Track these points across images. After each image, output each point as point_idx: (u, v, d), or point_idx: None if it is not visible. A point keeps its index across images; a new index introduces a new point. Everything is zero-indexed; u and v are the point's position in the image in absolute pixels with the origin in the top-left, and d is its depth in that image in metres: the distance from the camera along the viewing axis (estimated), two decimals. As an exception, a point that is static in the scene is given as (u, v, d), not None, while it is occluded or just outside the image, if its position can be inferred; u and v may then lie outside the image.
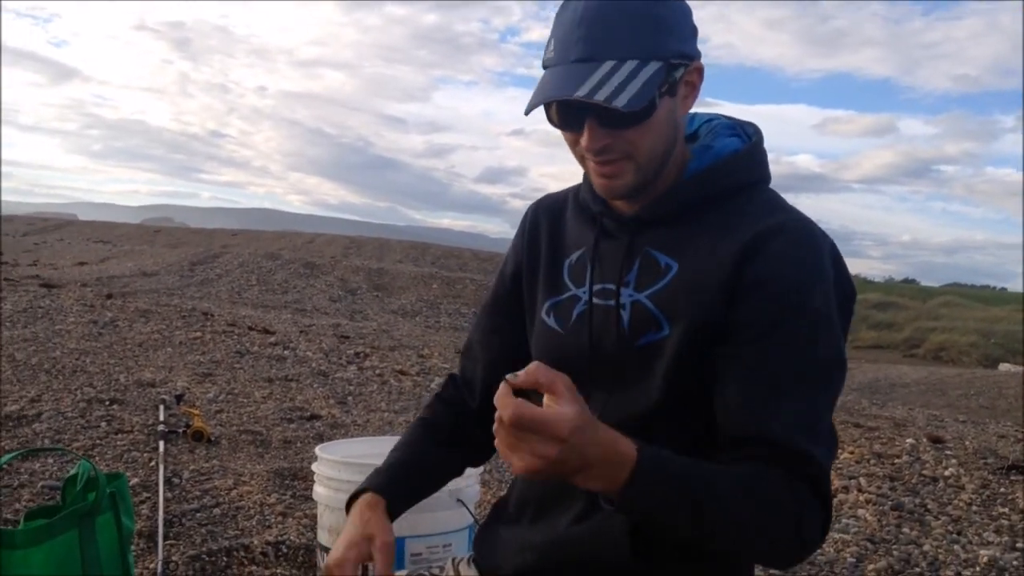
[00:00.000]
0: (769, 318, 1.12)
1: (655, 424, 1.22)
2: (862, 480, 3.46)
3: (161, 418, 3.58)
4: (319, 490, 2.06)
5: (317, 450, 2.10)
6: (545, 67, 1.15)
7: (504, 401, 0.97)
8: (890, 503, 3.21)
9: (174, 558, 2.24)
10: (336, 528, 2.00)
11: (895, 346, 26.10)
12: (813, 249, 1.14)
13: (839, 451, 3.90)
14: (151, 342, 5.67)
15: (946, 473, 3.60)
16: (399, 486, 1.34)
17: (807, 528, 1.06)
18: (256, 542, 2.40)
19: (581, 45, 1.09)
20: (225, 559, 2.28)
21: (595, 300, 1.26)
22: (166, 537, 2.33)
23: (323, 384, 4.92)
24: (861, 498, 3.26)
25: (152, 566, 2.11)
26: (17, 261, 12.80)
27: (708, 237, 1.18)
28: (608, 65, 1.08)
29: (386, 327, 8.64)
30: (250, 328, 6.58)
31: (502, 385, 1.00)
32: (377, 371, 5.51)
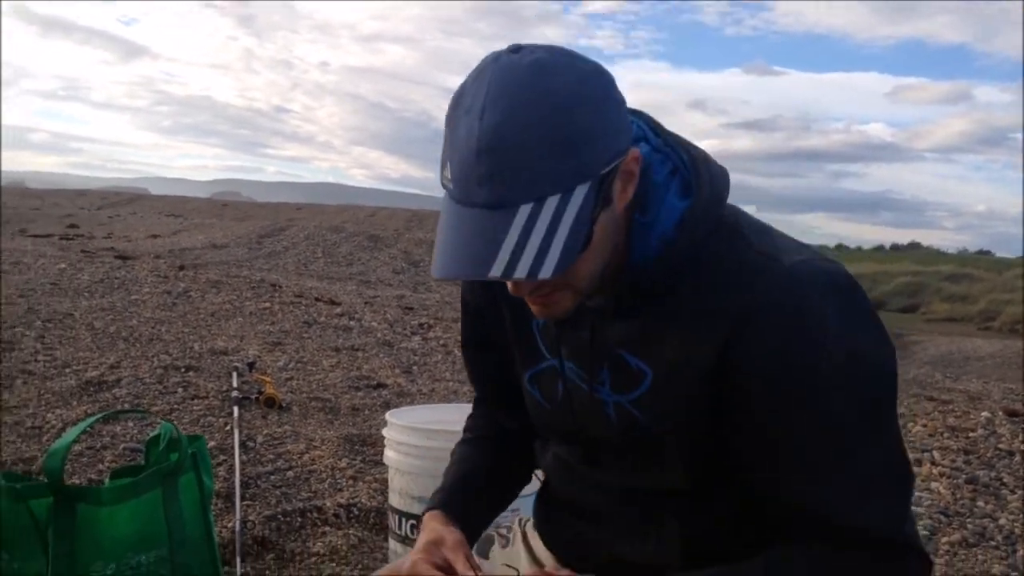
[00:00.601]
0: (772, 406, 0.99)
1: (680, 503, 1.13)
2: (935, 453, 3.39)
3: (234, 385, 3.68)
4: (389, 454, 2.09)
5: (388, 416, 2.13)
6: (445, 189, 0.95)
7: None
8: (964, 476, 3.15)
9: (251, 517, 2.30)
10: (407, 491, 2.04)
11: (969, 319, 25.38)
12: (802, 327, 0.97)
13: (912, 425, 3.83)
14: (223, 312, 5.81)
15: (1023, 447, 3.51)
16: (461, 498, 1.26)
17: None
18: (328, 504, 2.46)
19: (488, 189, 0.88)
20: (299, 519, 2.34)
21: (573, 381, 1.15)
22: (243, 498, 2.40)
23: (388, 354, 4.99)
24: (935, 471, 3.20)
25: (231, 525, 2.18)
26: (92, 234, 13.19)
27: (676, 333, 1.03)
28: (524, 213, 0.88)
29: (449, 299, 8.70)
30: (317, 299, 6.70)
31: None
32: (441, 341, 5.56)
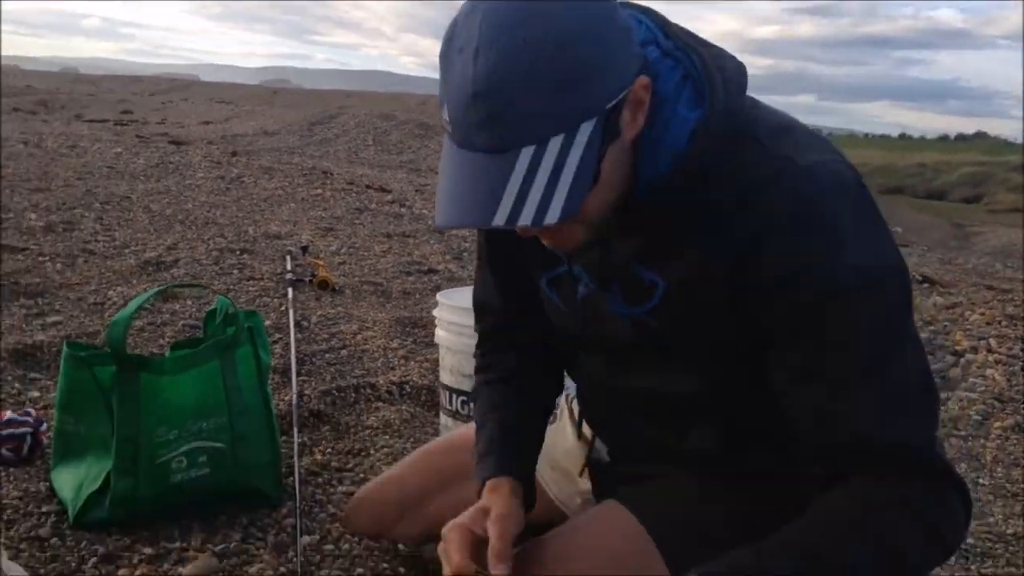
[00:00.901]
0: (795, 324, 0.96)
1: (695, 414, 1.13)
2: (992, 341, 3.34)
3: (288, 268, 3.74)
4: (440, 333, 2.12)
5: (439, 296, 2.16)
6: (444, 130, 0.91)
7: None
8: (1020, 364, 3.11)
9: (307, 392, 2.37)
10: (457, 368, 2.07)
11: (1034, 211, 24.60)
12: (818, 226, 0.93)
13: (970, 313, 3.76)
14: (275, 197, 5.87)
15: (1083, 337, 3.44)
16: (511, 457, 1.25)
17: (946, 528, 0.95)
18: (381, 381, 2.51)
19: (487, 133, 0.84)
20: (354, 395, 2.40)
21: (588, 287, 1.12)
22: (298, 374, 2.46)
23: (439, 240, 5.01)
24: (990, 358, 3.16)
25: (287, 398, 2.24)
26: (146, 120, 13.28)
27: (689, 247, 1.00)
28: (527, 156, 0.84)
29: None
30: (368, 186, 6.71)
31: None
32: (492, 228, 5.56)
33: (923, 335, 3.19)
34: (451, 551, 1.10)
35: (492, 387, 1.33)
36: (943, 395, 2.64)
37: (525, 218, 0.86)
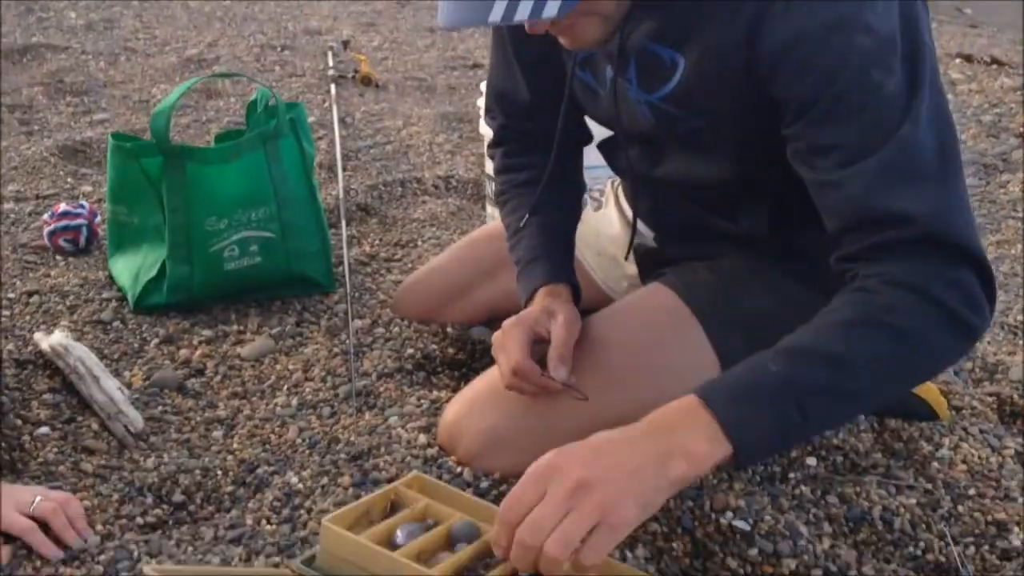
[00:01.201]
0: (805, 90, 0.92)
1: (737, 198, 1.12)
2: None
3: (330, 64, 3.66)
4: (485, 124, 2.07)
5: (483, 85, 2.09)
6: None
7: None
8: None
9: (353, 186, 2.37)
10: (503, 159, 2.04)
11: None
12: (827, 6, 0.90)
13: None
14: (314, -8, 5.68)
15: None
16: (562, 263, 1.25)
17: (963, 312, 0.90)
18: (427, 175, 2.50)
19: None
20: (400, 189, 2.40)
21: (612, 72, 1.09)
22: (344, 169, 2.45)
23: (484, 33, 4.83)
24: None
25: (334, 192, 2.24)
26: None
27: (708, 22, 0.96)
28: None
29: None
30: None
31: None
32: (539, 22, 5.36)
33: (987, 117, 3.05)
34: (511, 347, 1.11)
35: (524, 188, 1.31)
36: (1004, 176, 2.54)
37: (522, 12, 0.83)
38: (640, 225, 1.34)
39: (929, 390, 1.33)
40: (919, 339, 0.90)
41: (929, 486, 1.19)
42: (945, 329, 0.90)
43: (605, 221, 1.51)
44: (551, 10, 0.83)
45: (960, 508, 1.15)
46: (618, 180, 1.49)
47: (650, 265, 1.35)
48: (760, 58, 0.94)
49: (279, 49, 4.06)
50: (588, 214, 1.51)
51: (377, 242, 2.07)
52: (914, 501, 1.15)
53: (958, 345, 0.96)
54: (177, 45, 4.03)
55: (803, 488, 1.16)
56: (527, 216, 1.28)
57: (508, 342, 1.12)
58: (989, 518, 1.13)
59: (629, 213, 1.41)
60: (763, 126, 0.99)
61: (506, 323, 1.15)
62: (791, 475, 1.19)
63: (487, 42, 4.58)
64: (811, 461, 1.22)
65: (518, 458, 1.10)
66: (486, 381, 1.20)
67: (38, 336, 1.51)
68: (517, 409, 1.13)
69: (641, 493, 0.79)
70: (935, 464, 1.24)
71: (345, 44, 4.03)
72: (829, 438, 1.27)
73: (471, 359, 1.53)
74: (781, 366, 0.87)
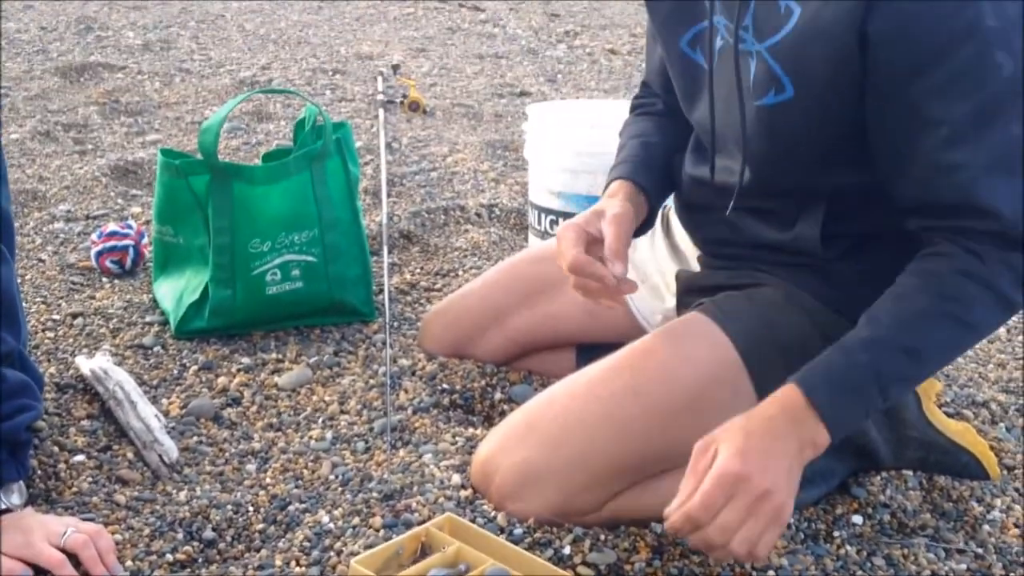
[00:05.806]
0: (919, 65, 0.94)
1: (804, 201, 1.13)
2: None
3: (380, 88, 3.68)
4: (529, 148, 2.06)
5: (528, 109, 2.10)
6: None
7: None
8: None
9: (397, 212, 2.37)
10: (545, 186, 2.03)
11: None
12: None
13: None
14: (367, 17, 5.75)
15: None
16: (643, 169, 1.28)
17: (1018, 299, 1.00)
18: (471, 204, 2.49)
19: None
20: (443, 216, 2.40)
21: (725, 39, 1.10)
22: (388, 195, 2.45)
23: (532, 62, 4.86)
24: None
25: (378, 218, 2.24)
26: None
27: None
28: None
29: (597, 6, 8.27)
30: (460, 5, 6.50)
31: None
32: (587, 50, 5.35)
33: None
34: (566, 248, 1.13)
35: (640, 118, 1.39)
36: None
37: None
38: (683, 245, 1.36)
39: (979, 445, 1.28)
40: (981, 329, 1.01)
41: (980, 550, 1.14)
42: (1002, 316, 1.01)
43: (654, 250, 1.49)
44: None
45: (1013, 576, 1.10)
46: (669, 205, 1.47)
47: (689, 293, 1.33)
48: (880, 17, 0.93)
49: (331, 73, 4.11)
50: (636, 241, 1.49)
51: (418, 271, 2.07)
52: (964, 567, 1.10)
53: (1004, 322, 1.07)
54: (231, 67, 4.09)
55: (848, 548, 1.12)
56: (631, 137, 1.34)
57: (563, 245, 1.14)
58: (1044, 588, 1.07)
59: (678, 240, 1.40)
60: (845, 112, 1.01)
61: (559, 228, 1.17)
62: (836, 533, 1.15)
63: (535, 70, 4.61)
64: (857, 519, 1.18)
65: (552, 497, 1.08)
66: (521, 415, 1.18)
67: (79, 360, 1.52)
68: (551, 441, 1.11)
69: (794, 490, 0.93)
70: (986, 527, 1.19)
71: (395, 69, 4.05)
72: (876, 494, 1.22)
73: (508, 398, 1.50)
74: (870, 356, 0.96)
